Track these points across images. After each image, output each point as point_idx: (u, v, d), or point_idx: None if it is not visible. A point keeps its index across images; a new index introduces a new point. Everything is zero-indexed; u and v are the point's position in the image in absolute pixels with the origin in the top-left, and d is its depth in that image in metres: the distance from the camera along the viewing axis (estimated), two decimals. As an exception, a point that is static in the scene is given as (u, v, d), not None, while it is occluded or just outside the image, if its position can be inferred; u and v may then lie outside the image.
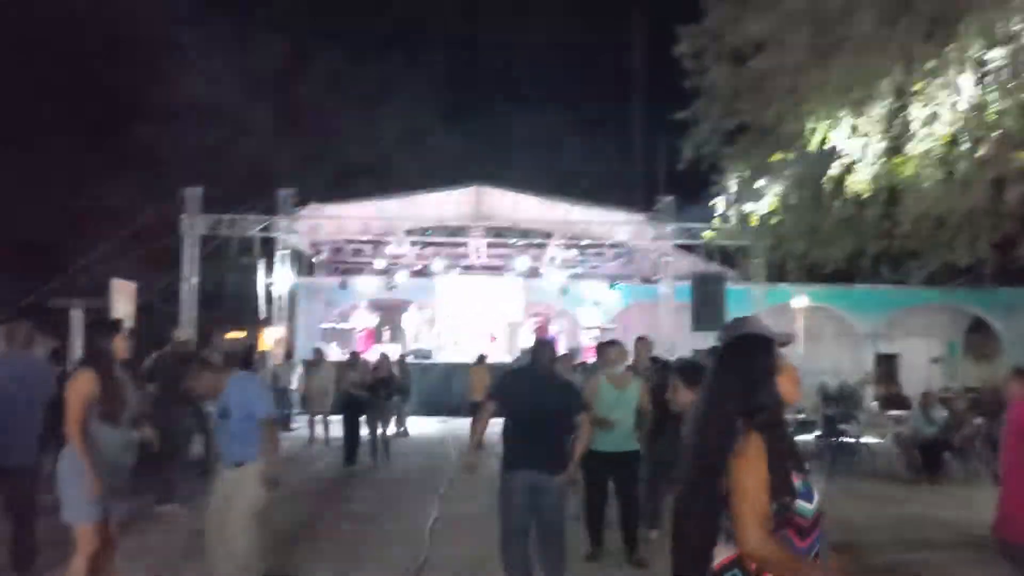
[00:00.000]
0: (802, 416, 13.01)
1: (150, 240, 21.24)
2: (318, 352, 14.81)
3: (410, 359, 19.03)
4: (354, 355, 13.52)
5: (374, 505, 8.50)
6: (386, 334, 22.24)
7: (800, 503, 2.25)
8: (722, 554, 2.28)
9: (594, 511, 6.20)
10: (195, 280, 19.52)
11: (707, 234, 12.52)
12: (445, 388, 18.11)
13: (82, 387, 4.36)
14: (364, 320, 21.42)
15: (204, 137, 27.08)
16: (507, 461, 5.02)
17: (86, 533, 4.32)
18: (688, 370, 4.52)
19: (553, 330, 20.92)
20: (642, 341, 8.07)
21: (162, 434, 8.17)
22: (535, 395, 5.07)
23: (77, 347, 20.20)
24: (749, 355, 2.43)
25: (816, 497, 2.30)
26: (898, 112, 7.95)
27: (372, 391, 11.37)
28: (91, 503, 4.31)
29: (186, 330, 9.72)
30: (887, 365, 26.39)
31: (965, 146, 7.67)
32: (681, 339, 20.05)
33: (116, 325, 4.84)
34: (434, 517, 7.69)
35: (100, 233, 22.54)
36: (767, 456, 2.22)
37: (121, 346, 4.72)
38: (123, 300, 19.75)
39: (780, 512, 2.21)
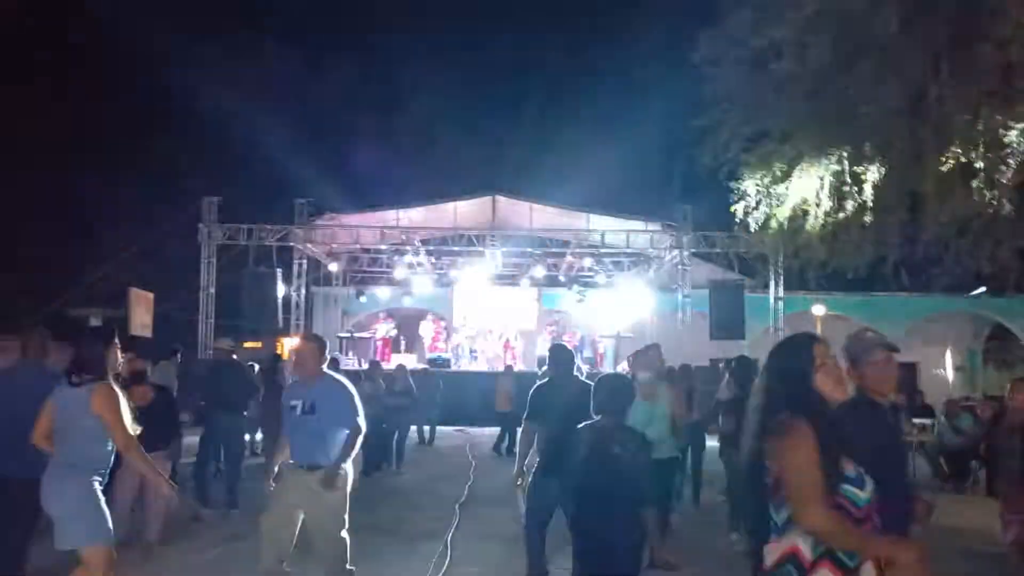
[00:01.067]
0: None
1: (168, 249, 21.39)
2: (334, 362, 14.74)
3: (425, 368, 19.03)
4: (374, 364, 13.53)
5: (397, 512, 8.46)
6: (402, 343, 22.23)
7: (849, 488, 2.22)
8: (774, 551, 2.23)
9: None
10: (212, 289, 19.59)
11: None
12: (463, 397, 18.03)
13: (113, 399, 4.09)
14: (382, 329, 21.41)
15: (222, 146, 27.25)
16: (543, 467, 5.28)
17: (103, 555, 4.10)
18: None
19: (567, 339, 20.80)
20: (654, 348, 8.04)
21: (206, 438, 8.34)
22: (562, 405, 5.17)
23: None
24: (786, 354, 2.51)
25: (869, 486, 2.26)
26: (921, 118, 7.87)
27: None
28: (107, 523, 4.12)
29: (226, 340, 9.73)
30: (907, 374, 26.13)
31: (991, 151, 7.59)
32: (699, 348, 19.93)
33: (111, 334, 4.52)
34: (455, 524, 7.64)
35: (118, 242, 22.72)
36: (815, 439, 2.20)
37: (116, 357, 4.47)
38: (141, 309, 19.85)
39: (828, 493, 2.18)
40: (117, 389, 4.16)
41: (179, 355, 13.07)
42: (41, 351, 5.64)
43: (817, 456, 2.17)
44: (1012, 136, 7.17)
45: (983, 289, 21.59)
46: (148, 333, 19.89)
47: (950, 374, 26.71)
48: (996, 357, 27.15)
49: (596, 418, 4.08)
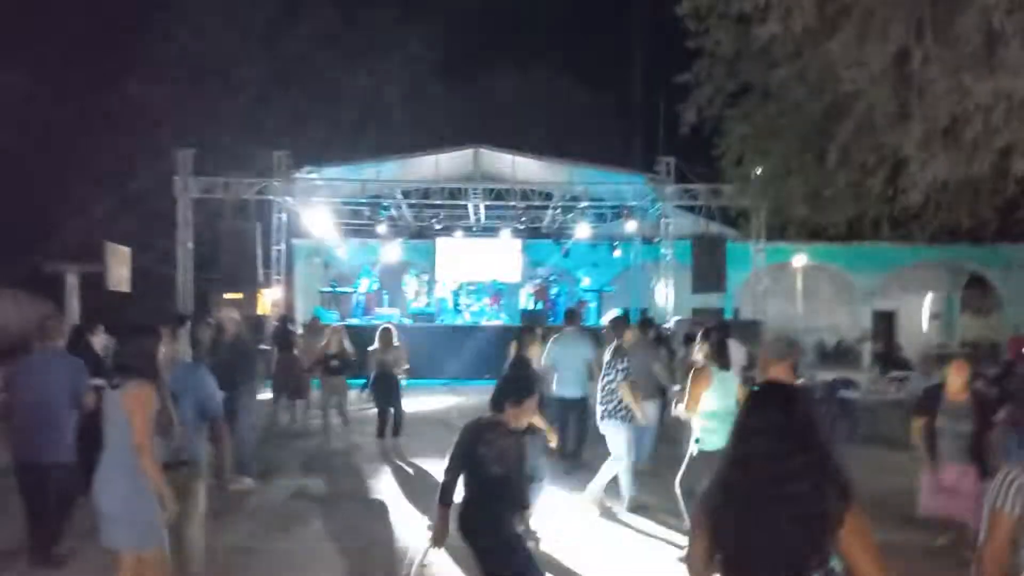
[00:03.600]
0: (801, 380, 13.01)
1: (144, 203, 21.08)
2: (315, 319, 14.69)
3: (409, 322, 19.04)
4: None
5: (384, 481, 8.53)
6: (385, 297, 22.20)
7: None
8: None
9: None
10: (190, 244, 19.37)
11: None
12: (447, 351, 18.11)
13: (149, 404, 3.99)
14: (364, 283, 21.35)
15: (196, 96, 26.58)
16: None
17: (160, 556, 4.06)
18: None
19: (553, 292, 20.86)
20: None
21: (238, 410, 8.30)
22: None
23: (73, 311, 20.18)
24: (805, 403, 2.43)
25: None
26: (905, 79, 7.77)
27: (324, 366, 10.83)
28: (161, 525, 4.06)
29: (233, 310, 9.59)
30: (885, 322, 26.48)
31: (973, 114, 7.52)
32: (682, 300, 20.06)
33: (157, 330, 4.42)
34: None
35: (93, 196, 22.37)
36: None
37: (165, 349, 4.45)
38: (117, 264, 19.64)
39: None
40: (154, 390, 4.05)
41: (188, 323, 12.76)
42: (57, 335, 5.64)
43: None
44: (994, 100, 7.11)
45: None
46: (126, 288, 19.72)
47: (926, 323, 27.07)
48: (972, 305, 27.53)
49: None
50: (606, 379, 7.28)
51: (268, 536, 6.47)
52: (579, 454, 8.84)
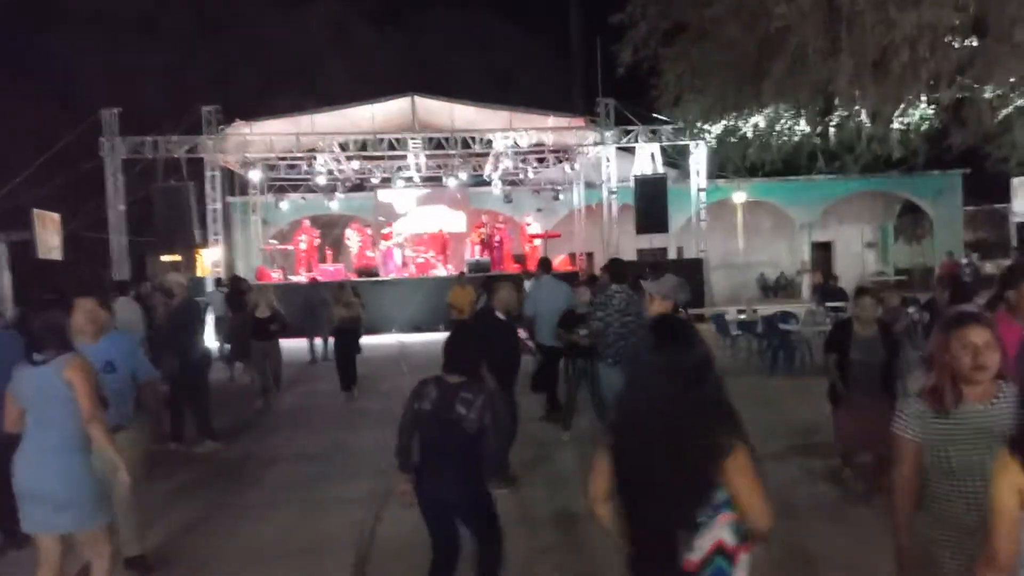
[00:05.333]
0: (743, 316, 13.32)
1: (71, 166, 20.28)
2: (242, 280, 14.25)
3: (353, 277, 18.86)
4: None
5: (336, 435, 8.52)
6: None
7: None
8: (703, 546, 2.26)
9: None
10: (122, 206, 18.78)
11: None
12: (392, 304, 18.04)
13: (90, 375, 3.80)
14: (305, 239, 20.99)
15: (118, 51, 25.46)
16: None
17: (107, 533, 3.92)
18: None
19: (497, 239, 20.82)
20: None
21: (195, 373, 8.13)
22: None
23: (4, 283, 19.51)
24: (696, 340, 2.41)
25: None
26: (835, 14, 7.86)
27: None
28: (108, 501, 3.92)
29: (177, 276, 9.33)
30: (822, 253, 27.16)
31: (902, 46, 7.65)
32: (626, 241, 20.24)
33: (67, 301, 4.23)
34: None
35: (16, 160, 21.41)
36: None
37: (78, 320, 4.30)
38: (47, 231, 18.97)
39: None
40: (86, 360, 3.87)
41: (132, 291, 12.32)
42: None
43: None
44: (919, 32, 7.24)
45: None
46: (58, 256, 19.10)
47: (862, 252, 27.83)
48: (906, 232, 28.39)
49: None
50: (608, 323, 7.03)
51: (226, 497, 6.44)
52: (556, 399, 8.77)
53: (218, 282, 17.15)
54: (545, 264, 9.73)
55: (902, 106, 9.82)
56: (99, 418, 3.78)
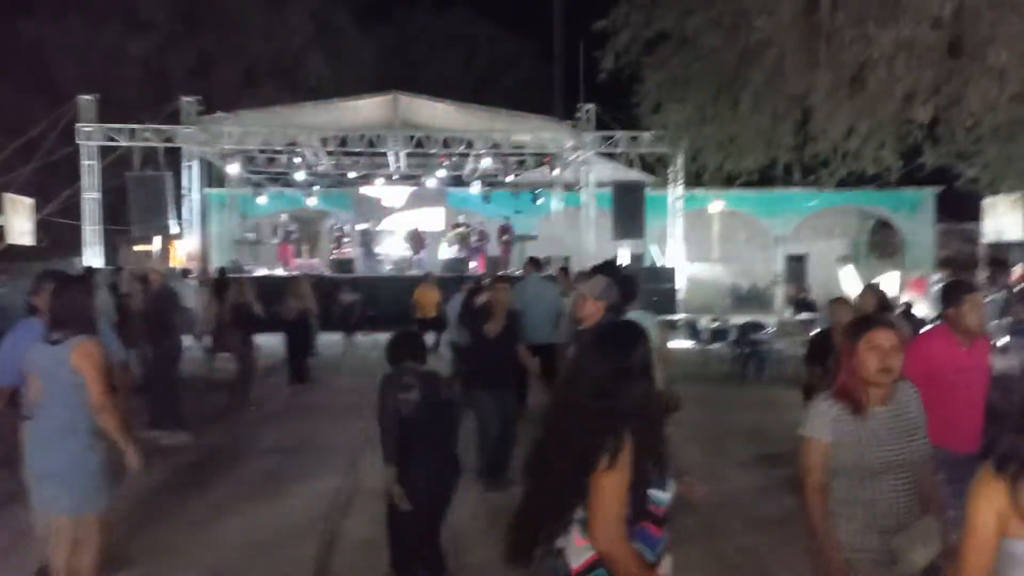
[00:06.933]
0: (716, 324, 13.43)
1: (45, 152, 20.00)
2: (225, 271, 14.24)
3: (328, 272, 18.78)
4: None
5: (299, 432, 8.48)
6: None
7: (656, 493, 2.24)
8: (584, 552, 2.20)
9: None
10: (97, 194, 18.57)
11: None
12: (368, 301, 17.97)
13: (100, 359, 3.76)
14: (281, 232, 20.86)
15: (98, 38, 25.13)
16: None
17: (99, 523, 3.85)
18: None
19: (474, 240, 20.83)
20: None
21: (166, 364, 8.04)
22: None
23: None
24: (621, 349, 2.30)
25: (671, 486, 2.29)
26: (814, 28, 7.96)
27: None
28: (106, 489, 3.85)
29: (154, 262, 9.36)
30: (796, 266, 27.43)
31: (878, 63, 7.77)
32: (603, 246, 20.32)
33: (90, 282, 4.21)
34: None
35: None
36: (634, 457, 2.16)
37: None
38: (19, 217, 18.72)
39: (636, 504, 2.19)
40: (97, 345, 3.82)
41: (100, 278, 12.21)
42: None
43: (629, 478, 2.16)
44: (896, 49, 7.36)
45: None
46: (30, 241, 18.85)
47: (835, 265, 28.13)
48: (879, 248, 28.76)
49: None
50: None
51: (192, 489, 6.39)
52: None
53: (184, 273, 17.01)
54: (535, 263, 9.80)
55: (878, 121, 9.94)
56: (108, 405, 3.75)
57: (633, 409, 2.21)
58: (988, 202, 22.96)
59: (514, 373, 6.52)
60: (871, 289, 6.72)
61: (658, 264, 21.85)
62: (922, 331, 4.63)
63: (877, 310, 5.81)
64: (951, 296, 4.03)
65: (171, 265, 20.24)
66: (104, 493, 3.86)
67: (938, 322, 4.36)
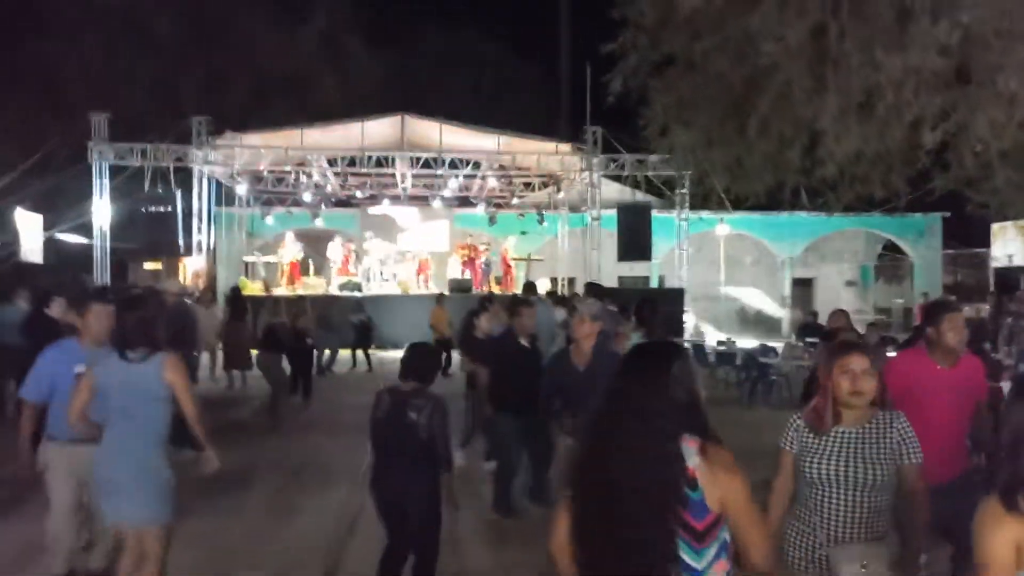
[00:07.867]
0: (723, 348, 13.38)
1: (56, 169, 20.17)
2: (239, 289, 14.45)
3: (337, 292, 18.81)
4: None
5: (309, 448, 8.46)
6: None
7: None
8: None
9: None
10: (107, 211, 18.67)
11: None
12: (375, 321, 17.96)
13: (183, 368, 3.94)
14: (289, 252, 20.92)
15: (111, 58, 25.37)
16: None
17: (168, 534, 3.90)
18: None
19: (480, 261, 20.86)
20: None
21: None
22: None
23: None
24: (671, 367, 2.15)
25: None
26: (821, 53, 7.97)
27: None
28: (173, 500, 3.90)
29: (175, 283, 9.56)
30: (803, 289, 27.36)
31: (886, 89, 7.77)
32: (608, 268, 20.31)
33: (160, 299, 4.35)
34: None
35: (1, 161, 21.27)
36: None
37: None
38: (28, 233, 18.84)
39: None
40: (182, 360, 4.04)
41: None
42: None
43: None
44: (904, 74, 7.36)
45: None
46: (38, 258, 18.96)
47: (842, 290, 28.07)
48: (887, 272, 28.70)
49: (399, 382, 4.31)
50: None
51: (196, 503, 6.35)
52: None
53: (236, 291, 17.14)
54: (530, 287, 9.93)
55: (886, 146, 9.93)
56: (199, 416, 3.97)
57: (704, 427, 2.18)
58: (997, 227, 22.90)
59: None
60: (840, 312, 6.82)
61: (665, 286, 21.84)
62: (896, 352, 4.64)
63: (845, 331, 5.84)
64: (931, 315, 4.00)
65: (185, 283, 20.32)
66: (172, 506, 3.92)
67: (916, 343, 4.34)
